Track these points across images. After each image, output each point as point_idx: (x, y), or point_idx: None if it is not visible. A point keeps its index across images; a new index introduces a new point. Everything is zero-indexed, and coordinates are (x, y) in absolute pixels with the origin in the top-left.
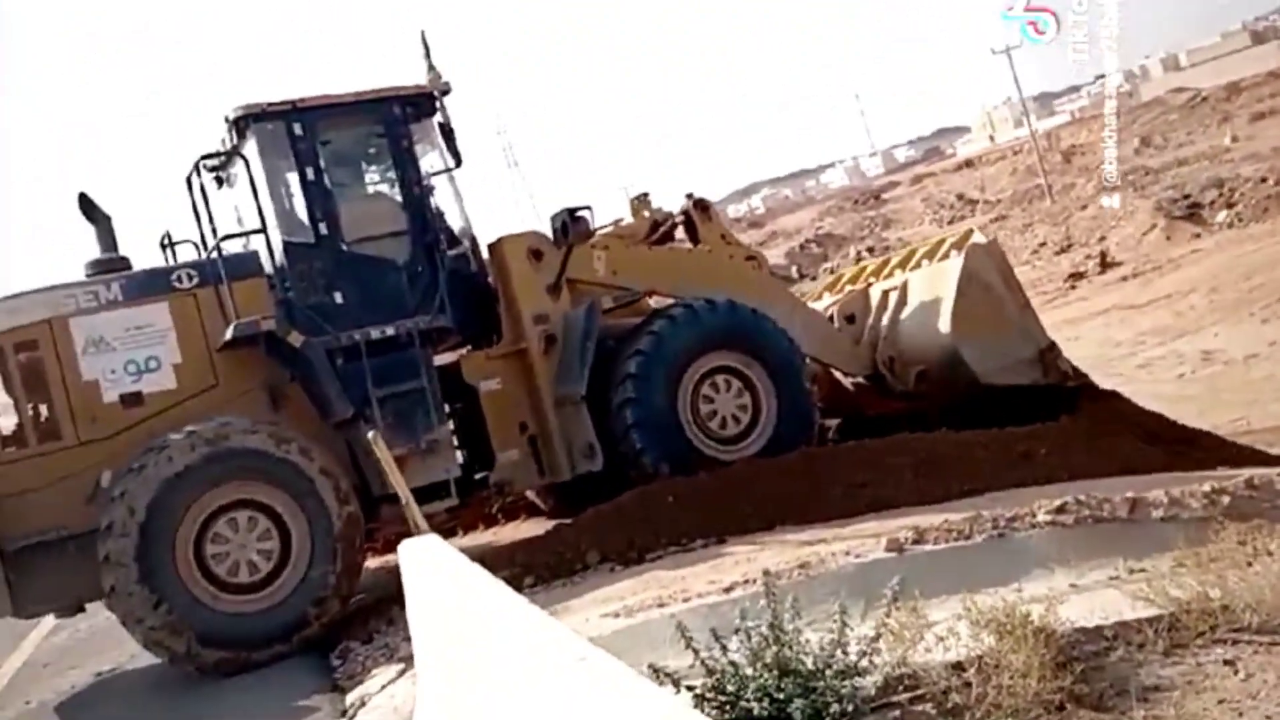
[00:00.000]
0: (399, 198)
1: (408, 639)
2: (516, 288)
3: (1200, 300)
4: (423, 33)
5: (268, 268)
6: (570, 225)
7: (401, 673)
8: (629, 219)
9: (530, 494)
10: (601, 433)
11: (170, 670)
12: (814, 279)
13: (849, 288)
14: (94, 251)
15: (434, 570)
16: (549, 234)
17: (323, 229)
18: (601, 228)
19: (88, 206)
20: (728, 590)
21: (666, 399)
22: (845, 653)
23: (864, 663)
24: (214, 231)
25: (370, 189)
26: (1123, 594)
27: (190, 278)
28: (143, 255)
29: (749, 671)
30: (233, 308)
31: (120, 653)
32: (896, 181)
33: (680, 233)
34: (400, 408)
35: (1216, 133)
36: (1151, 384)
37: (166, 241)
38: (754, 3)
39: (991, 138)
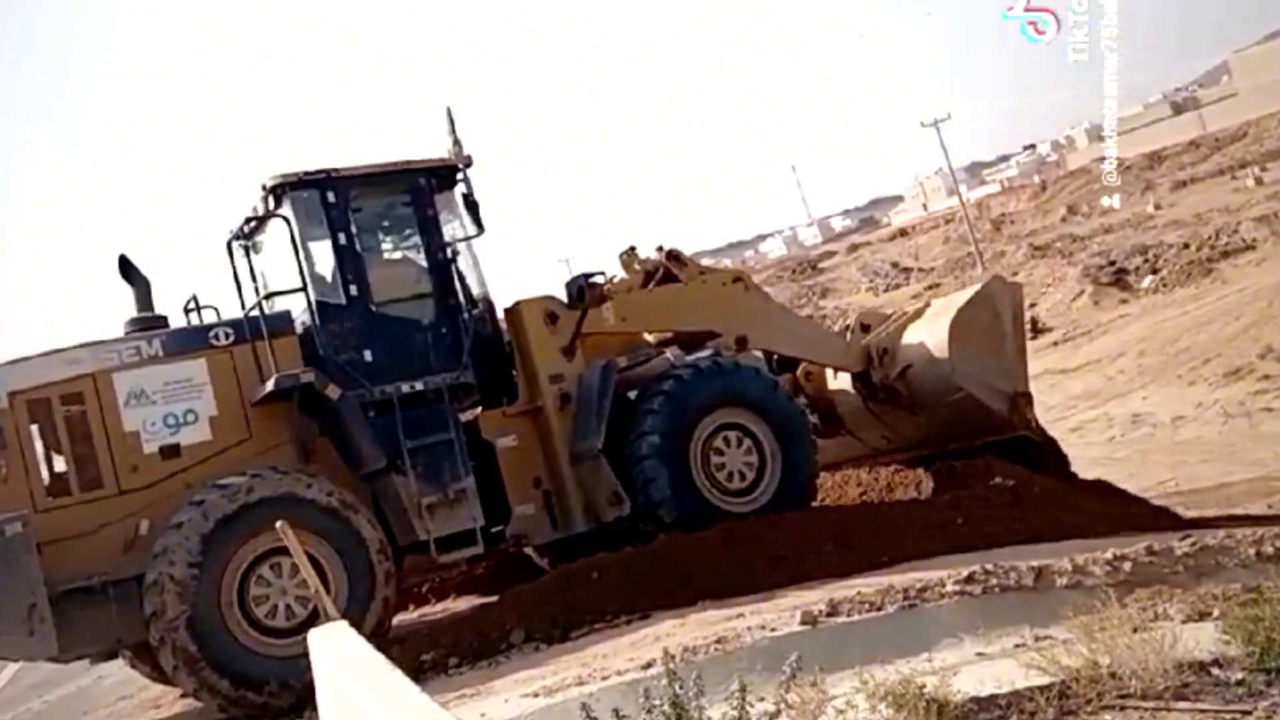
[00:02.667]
0: (424, 262)
1: None
2: (533, 349)
3: (1129, 364)
4: (448, 109)
5: (298, 327)
6: (586, 290)
7: None
8: (621, 274)
9: (530, 551)
10: (625, 482)
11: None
12: None
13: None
14: (131, 311)
15: (338, 659)
16: (563, 298)
17: (353, 290)
18: (593, 274)
19: (127, 269)
20: (646, 667)
21: (679, 453)
22: None
23: None
24: (256, 291)
25: (397, 254)
26: (1018, 663)
27: (227, 335)
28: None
29: None
30: (272, 362)
31: None
32: (833, 251)
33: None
34: (429, 459)
35: (1140, 200)
36: (1083, 447)
37: (192, 306)
38: (685, 73)
39: (924, 206)
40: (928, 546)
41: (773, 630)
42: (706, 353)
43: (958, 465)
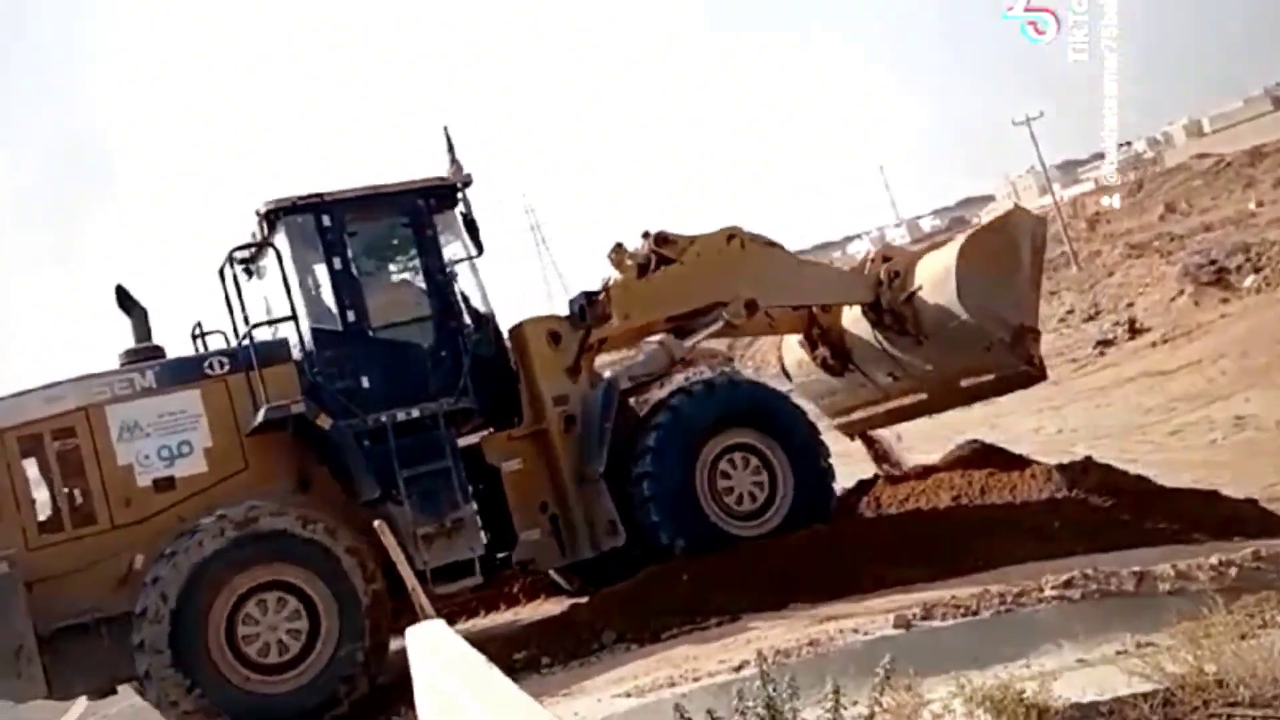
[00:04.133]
0: (423, 285)
1: None
2: (537, 370)
3: (1231, 365)
4: (445, 128)
5: (297, 354)
6: (587, 308)
7: None
8: (616, 274)
9: (554, 574)
10: (621, 508)
11: None
12: None
13: None
14: (129, 342)
15: (436, 656)
16: (567, 315)
17: (350, 316)
18: (595, 292)
19: (124, 298)
20: (738, 669)
21: (683, 474)
22: None
23: None
24: (245, 320)
25: (395, 277)
26: (1120, 670)
27: (222, 365)
28: (174, 346)
29: None
30: (263, 393)
31: None
32: None
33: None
34: (426, 487)
35: (1241, 198)
36: (1183, 451)
37: (198, 332)
38: (771, 76)
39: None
40: (1024, 551)
41: (865, 633)
42: (701, 373)
43: (1054, 469)
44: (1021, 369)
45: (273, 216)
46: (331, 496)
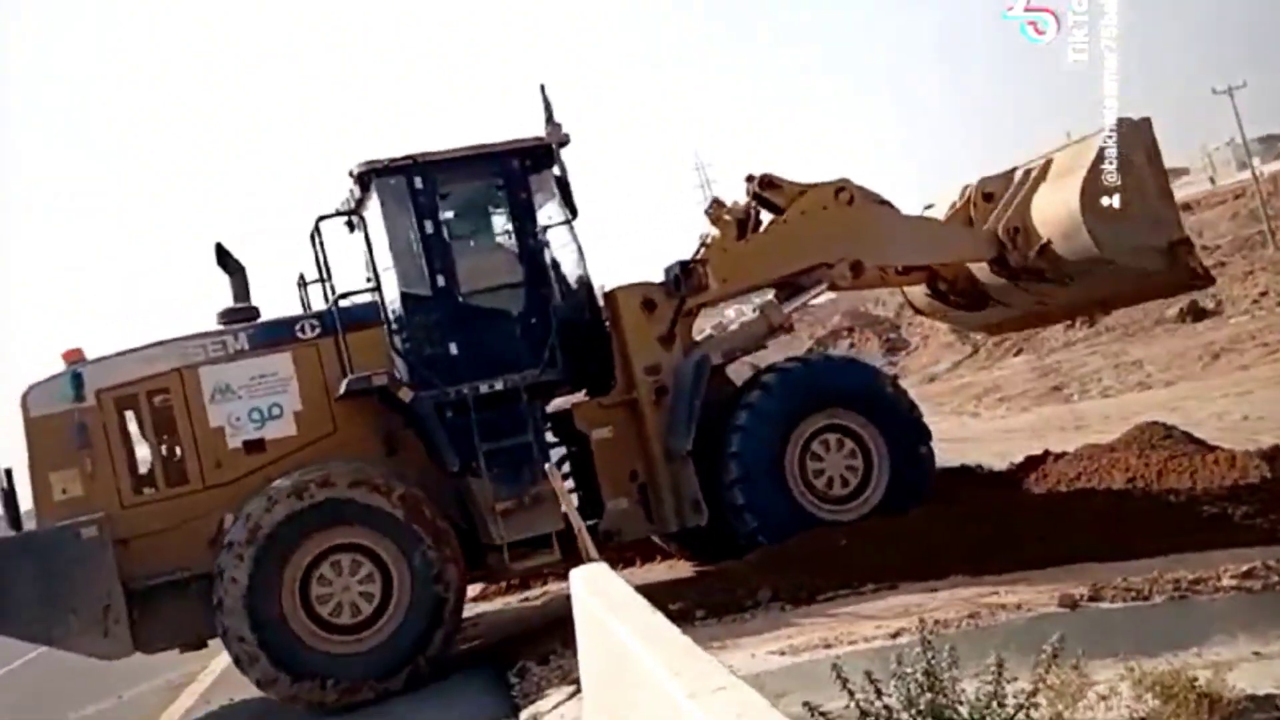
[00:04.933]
0: (515, 249)
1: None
2: (629, 338)
3: None
4: (542, 86)
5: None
6: (682, 278)
7: (572, 695)
8: (714, 231)
9: (659, 539)
10: (710, 485)
11: None
12: None
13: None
14: (228, 300)
15: (600, 598)
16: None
17: (440, 281)
18: (695, 252)
19: (223, 257)
20: (894, 636)
21: (773, 456)
22: (1001, 705)
23: (1020, 716)
24: (332, 288)
25: (487, 241)
26: None
27: (313, 328)
28: (278, 300)
29: (903, 717)
30: (347, 359)
31: None
32: None
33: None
34: (505, 461)
35: None
36: None
37: (302, 281)
38: (960, 34)
39: (1211, 180)
40: (1202, 538)
41: (1029, 610)
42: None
43: (1239, 455)
44: (1187, 283)
45: (366, 178)
46: (419, 461)
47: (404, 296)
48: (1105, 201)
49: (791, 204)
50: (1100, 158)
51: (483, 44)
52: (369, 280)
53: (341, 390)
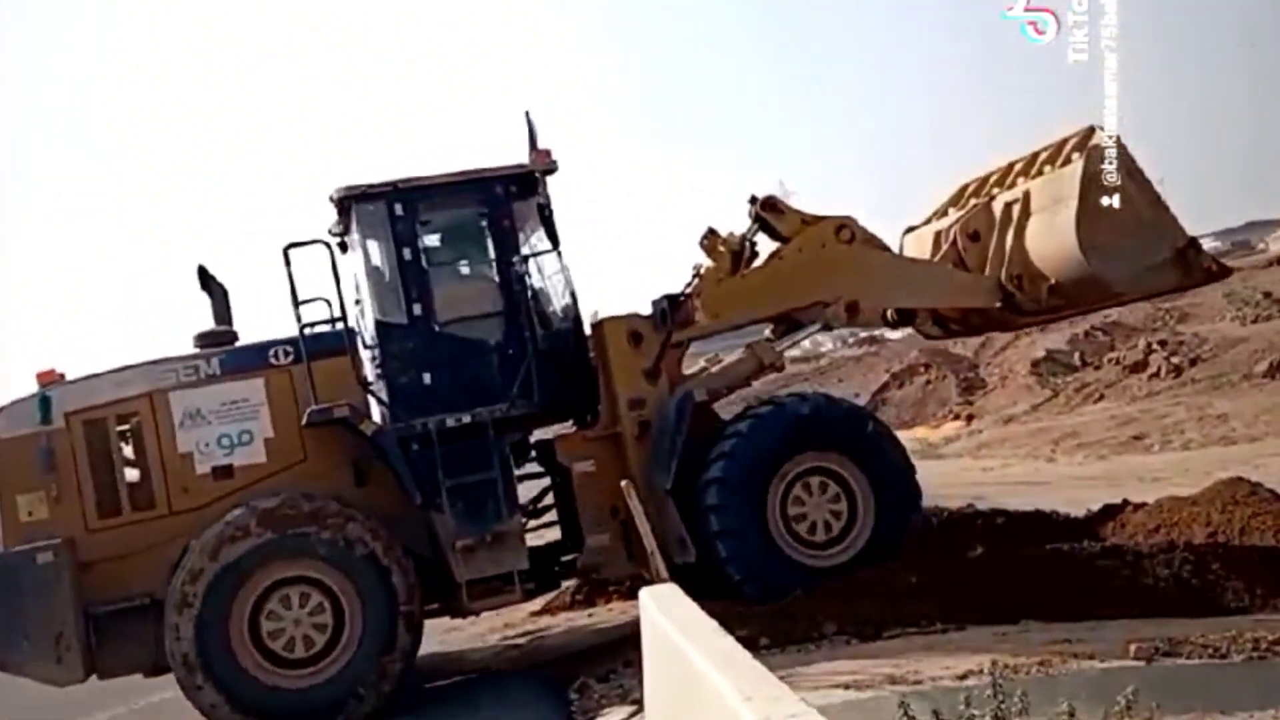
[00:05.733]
0: (495, 278)
1: (641, 682)
2: (614, 370)
3: None
4: (527, 113)
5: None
6: (669, 312)
7: (632, 714)
8: (708, 261)
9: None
10: (692, 527)
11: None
12: (1097, 367)
13: (972, 201)
14: (209, 322)
15: (669, 618)
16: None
17: (416, 309)
18: (687, 284)
19: (205, 278)
20: (962, 678)
21: (753, 506)
22: None
23: None
24: (341, 302)
25: (467, 269)
26: None
27: (286, 354)
28: (261, 322)
29: None
30: (311, 388)
31: None
32: None
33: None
34: (469, 497)
35: None
36: None
37: (296, 300)
38: (1038, 78)
39: None
40: None
41: (1101, 661)
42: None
43: None
44: (1204, 281)
45: (345, 203)
46: (390, 491)
47: (379, 324)
48: (1103, 238)
49: (793, 232)
50: (1084, 193)
51: (500, 52)
52: (356, 303)
53: (304, 420)
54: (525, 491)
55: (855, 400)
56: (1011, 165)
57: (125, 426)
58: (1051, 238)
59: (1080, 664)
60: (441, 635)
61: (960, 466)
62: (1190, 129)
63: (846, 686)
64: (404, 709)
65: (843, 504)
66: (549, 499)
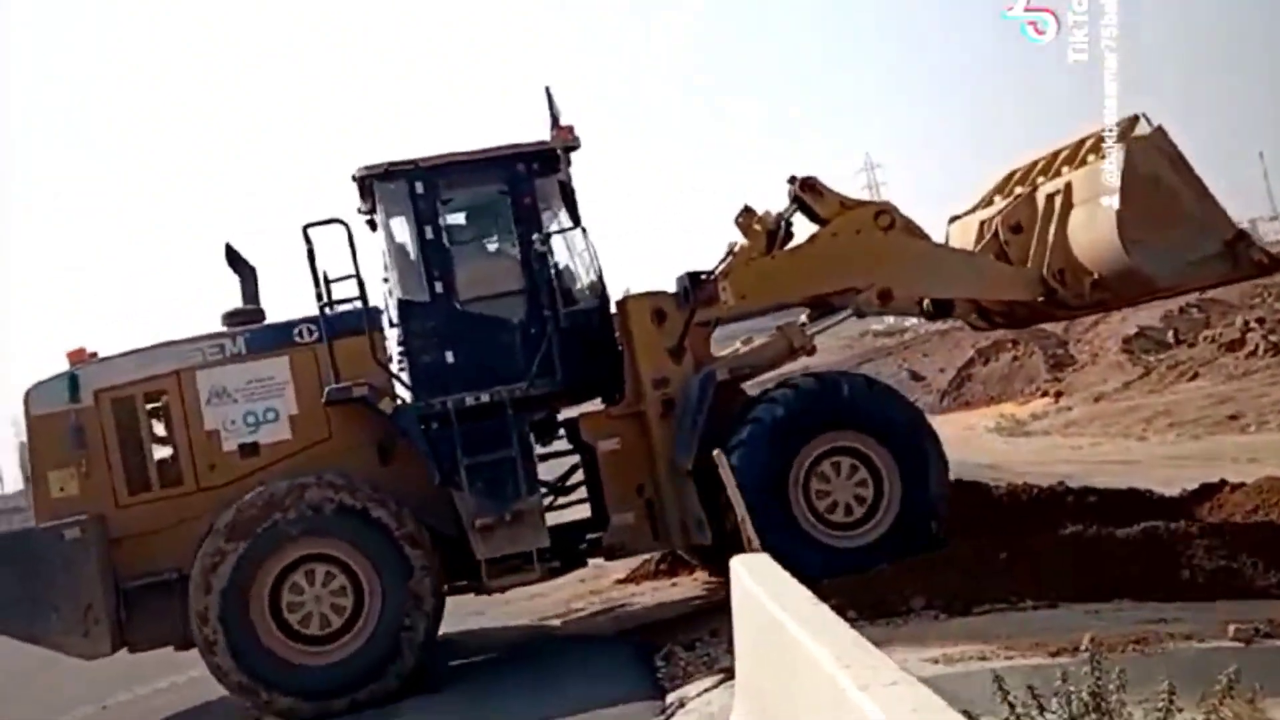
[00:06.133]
0: (517, 256)
1: (728, 651)
2: (638, 349)
3: None
4: (548, 89)
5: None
6: (692, 290)
7: (719, 683)
8: (743, 239)
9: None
10: (712, 509)
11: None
12: (1192, 345)
13: (1017, 190)
14: (238, 300)
15: (762, 586)
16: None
17: (438, 288)
18: (720, 261)
19: (233, 258)
20: (1054, 654)
21: (775, 476)
22: None
23: None
24: (360, 281)
25: (489, 247)
26: None
27: (310, 332)
28: (292, 300)
29: None
30: (333, 366)
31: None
32: None
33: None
34: (488, 476)
35: None
36: None
37: (325, 279)
38: (1150, 46)
39: None
40: None
41: (1200, 641)
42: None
43: None
44: (1255, 275)
45: (367, 182)
46: (414, 469)
47: (401, 303)
48: (1146, 232)
49: (832, 215)
50: (1126, 187)
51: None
52: (385, 282)
53: (323, 399)
54: (554, 469)
55: (941, 375)
56: (1057, 153)
57: (154, 404)
58: (1093, 231)
59: (1177, 644)
60: (524, 603)
61: (1049, 444)
62: (1190, 129)
63: (935, 661)
64: (490, 677)
65: (868, 486)
66: (578, 476)
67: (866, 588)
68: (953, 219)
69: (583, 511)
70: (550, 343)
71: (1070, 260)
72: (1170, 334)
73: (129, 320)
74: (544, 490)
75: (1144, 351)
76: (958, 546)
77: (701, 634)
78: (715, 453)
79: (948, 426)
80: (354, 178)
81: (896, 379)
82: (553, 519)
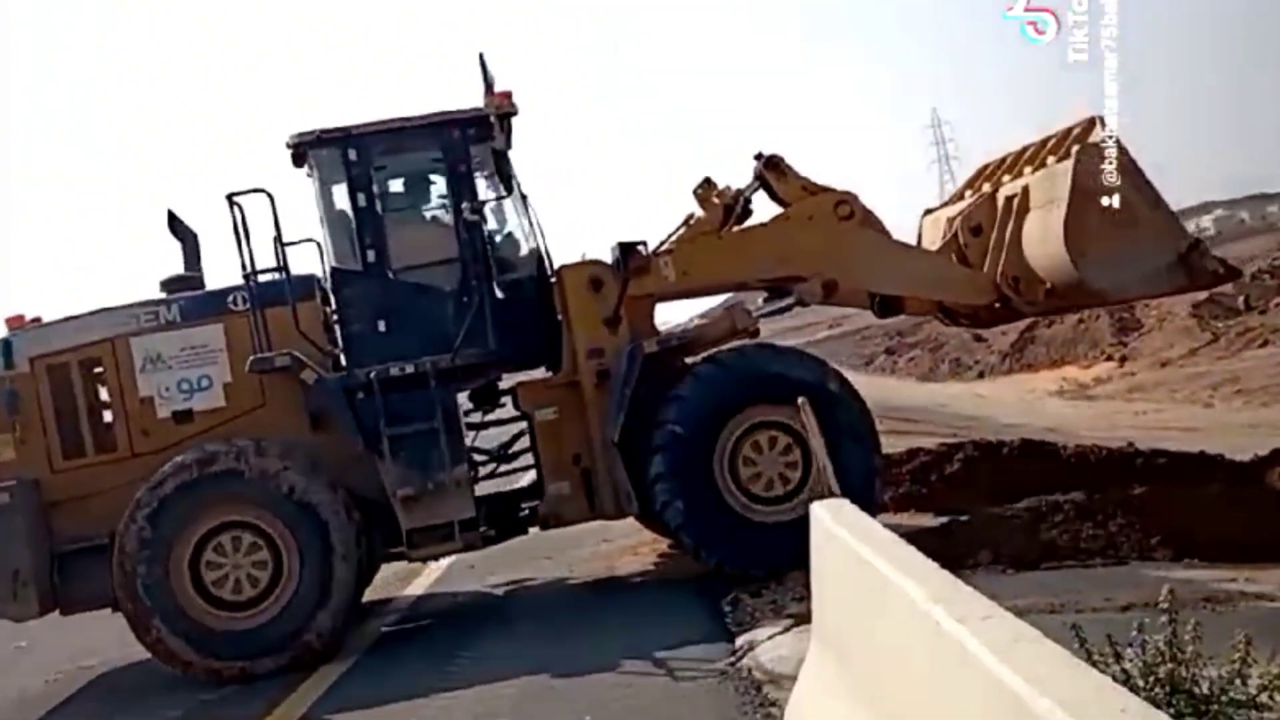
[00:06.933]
0: (451, 224)
1: (795, 599)
2: (574, 318)
3: None
4: (481, 55)
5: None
6: (624, 259)
7: (788, 628)
8: (700, 212)
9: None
10: (638, 480)
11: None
12: (1263, 312)
13: (985, 188)
14: (178, 267)
15: (846, 529)
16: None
17: (370, 256)
18: (673, 231)
19: (175, 224)
20: (1124, 609)
21: (700, 451)
22: (1245, 684)
23: (1264, 698)
24: (282, 250)
25: (423, 215)
26: None
27: (244, 300)
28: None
29: (1140, 683)
30: (263, 335)
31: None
32: None
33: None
34: (410, 447)
35: None
36: None
37: (280, 243)
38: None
39: None
40: None
41: (1271, 600)
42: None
43: None
44: (1212, 283)
45: (300, 149)
46: (344, 438)
47: (333, 271)
48: (1095, 243)
49: (793, 199)
50: (1073, 198)
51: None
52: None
53: (246, 368)
54: (497, 437)
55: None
56: (1024, 150)
57: (89, 371)
58: (1045, 241)
59: (1249, 603)
60: (594, 546)
61: (1111, 409)
62: (1191, 128)
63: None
64: (562, 622)
65: (796, 456)
66: (524, 443)
67: (932, 541)
68: (926, 212)
69: (531, 478)
70: (482, 312)
71: (1024, 268)
72: (1241, 300)
73: (80, 288)
74: (485, 458)
75: (1213, 317)
76: (1024, 504)
77: (766, 581)
78: (800, 401)
79: (1008, 389)
80: (288, 145)
81: (960, 337)
82: (494, 486)
